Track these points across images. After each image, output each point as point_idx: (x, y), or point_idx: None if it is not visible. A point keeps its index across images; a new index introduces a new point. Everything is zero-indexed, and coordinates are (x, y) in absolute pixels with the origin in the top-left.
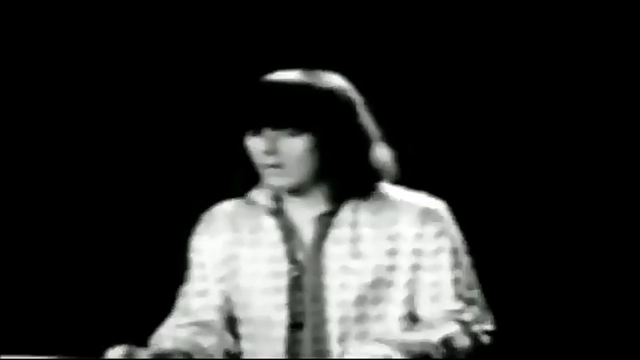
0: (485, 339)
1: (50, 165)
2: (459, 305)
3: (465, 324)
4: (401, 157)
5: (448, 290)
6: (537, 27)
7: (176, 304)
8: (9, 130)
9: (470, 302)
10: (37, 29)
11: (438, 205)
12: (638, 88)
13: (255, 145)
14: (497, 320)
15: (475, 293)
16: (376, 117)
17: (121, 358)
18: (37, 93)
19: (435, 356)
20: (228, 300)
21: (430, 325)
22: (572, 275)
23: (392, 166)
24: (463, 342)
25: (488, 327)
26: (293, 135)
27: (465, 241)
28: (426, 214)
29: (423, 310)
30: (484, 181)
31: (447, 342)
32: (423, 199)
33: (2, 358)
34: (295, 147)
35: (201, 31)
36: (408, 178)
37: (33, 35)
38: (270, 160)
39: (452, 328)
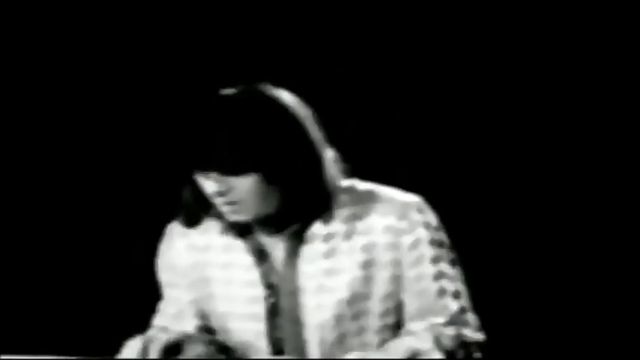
0: (476, 354)
1: (51, 165)
2: (444, 315)
3: (446, 337)
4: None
5: (435, 296)
6: (522, 24)
7: (152, 322)
8: (4, 129)
9: (461, 311)
10: (19, 29)
11: (415, 199)
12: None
13: (206, 186)
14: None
15: (465, 300)
16: (328, 122)
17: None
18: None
19: None
20: (204, 317)
21: (404, 336)
22: (553, 270)
23: (343, 168)
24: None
25: (478, 337)
26: (241, 175)
27: (447, 236)
28: (403, 214)
29: (410, 321)
30: (462, 178)
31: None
32: (397, 195)
33: (3, 358)
34: (245, 185)
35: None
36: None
37: (16, 36)
38: (224, 200)
39: (425, 343)
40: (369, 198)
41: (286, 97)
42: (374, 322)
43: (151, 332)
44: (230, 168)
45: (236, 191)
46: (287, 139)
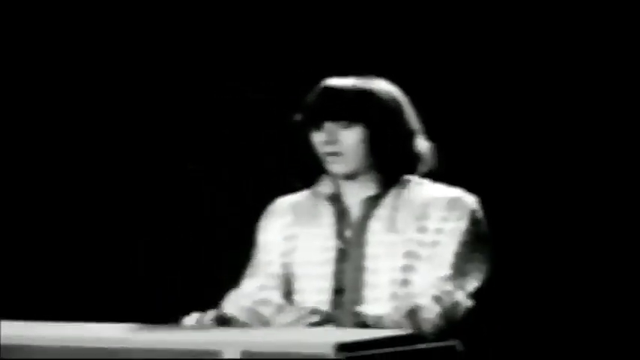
0: (460, 310)
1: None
2: (448, 273)
3: (444, 297)
4: (440, 152)
5: (446, 257)
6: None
7: (245, 273)
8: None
9: (461, 273)
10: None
11: (469, 197)
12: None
13: (318, 137)
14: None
15: (475, 277)
16: (419, 114)
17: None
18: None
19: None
20: (287, 270)
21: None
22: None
23: (430, 157)
24: (429, 314)
25: (467, 302)
26: (349, 127)
27: (489, 233)
28: (454, 202)
29: (418, 271)
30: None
31: (412, 313)
32: (456, 191)
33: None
34: (351, 137)
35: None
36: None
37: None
38: (330, 148)
39: (426, 300)
40: (435, 191)
41: (391, 86)
42: (418, 277)
43: (251, 292)
44: (343, 117)
45: (342, 144)
46: (389, 108)
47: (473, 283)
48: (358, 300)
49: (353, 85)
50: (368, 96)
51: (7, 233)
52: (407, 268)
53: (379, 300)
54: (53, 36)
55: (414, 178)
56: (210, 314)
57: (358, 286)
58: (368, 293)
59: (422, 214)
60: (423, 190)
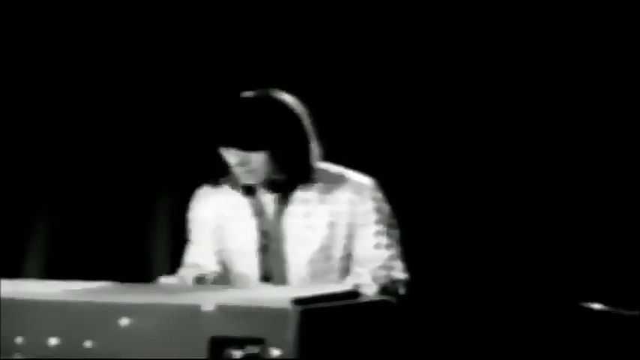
0: (401, 288)
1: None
2: (379, 261)
3: (380, 276)
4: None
5: (372, 250)
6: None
7: (186, 248)
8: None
9: (391, 257)
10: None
11: (369, 180)
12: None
13: (229, 158)
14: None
15: (396, 251)
16: (312, 120)
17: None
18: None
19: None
20: (219, 253)
21: (352, 277)
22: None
23: (321, 153)
24: (371, 290)
25: (403, 277)
26: (256, 151)
27: (389, 207)
28: (359, 190)
29: (355, 265)
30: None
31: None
32: (356, 177)
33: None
34: (259, 159)
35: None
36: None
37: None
38: (243, 169)
39: (366, 280)
40: (337, 178)
41: (289, 98)
42: (335, 264)
43: (185, 269)
44: (251, 146)
45: (251, 164)
46: (290, 127)
47: (399, 258)
48: (284, 284)
49: (259, 111)
50: (274, 121)
51: None
52: (324, 259)
53: (303, 280)
54: (52, 36)
55: (319, 165)
56: (185, 276)
57: (282, 276)
58: (292, 281)
59: (330, 210)
60: (326, 183)
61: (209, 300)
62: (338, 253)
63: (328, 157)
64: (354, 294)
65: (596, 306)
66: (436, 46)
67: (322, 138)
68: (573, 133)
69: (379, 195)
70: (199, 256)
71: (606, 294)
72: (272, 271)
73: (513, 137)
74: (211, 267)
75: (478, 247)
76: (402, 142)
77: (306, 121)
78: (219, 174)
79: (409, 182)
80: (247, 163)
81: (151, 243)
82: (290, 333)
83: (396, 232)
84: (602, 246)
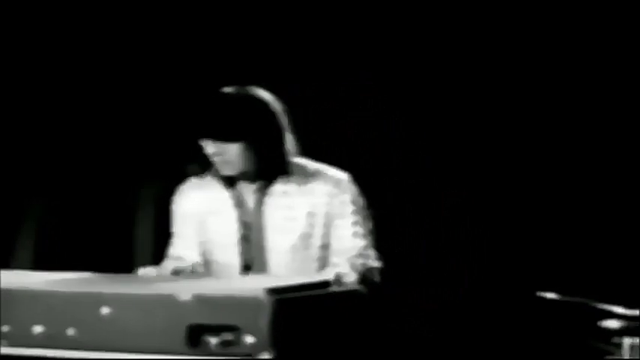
0: (376, 276)
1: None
2: (355, 250)
3: (358, 265)
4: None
5: (350, 239)
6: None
7: (170, 241)
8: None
9: (366, 247)
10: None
11: (345, 175)
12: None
13: (208, 148)
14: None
15: (370, 240)
16: (289, 116)
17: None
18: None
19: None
20: (201, 240)
21: (331, 266)
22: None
23: (297, 151)
24: (351, 278)
25: (378, 265)
26: (233, 142)
27: (364, 200)
28: (336, 184)
29: (332, 254)
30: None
31: (338, 279)
32: (333, 171)
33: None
34: (235, 149)
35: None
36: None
37: None
38: (219, 159)
39: (345, 269)
40: (315, 172)
41: (266, 95)
42: (315, 253)
43: (169, 261)
44: (226, 137)
45: (228, 154)
46: (265, 122)
47: (373, 248)
48: (264, 272)
49: (234, 107)
50: (247, 115)
51: None
52: (303, 247)
53: (283, 269)
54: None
55: (297, 160)
56: (165, 268)
57: (263, 264)
58: (272, 270)
59: (308, 201)
60: (304, 176)
61: (186, 290)
62: (317, 241)
63: (306, 153)
64: (326, 284)
65: (551, 295)
66: (409, 41)
67: (300, 135)
68: (532, 122)
69: (355, 188)
70: (182, 248)
71: (560, 284)
72: (253, 260)
73: (471, 127)
74: (194, 258)
75: (438, 239)
76: (373, 141)
77: (283, 117)
78: (203, 167)
79: (377, 179)
80: (223, 153)
81: (134, 235)
82: (264, 321)
83: (369, 223)
84: (557, 237)
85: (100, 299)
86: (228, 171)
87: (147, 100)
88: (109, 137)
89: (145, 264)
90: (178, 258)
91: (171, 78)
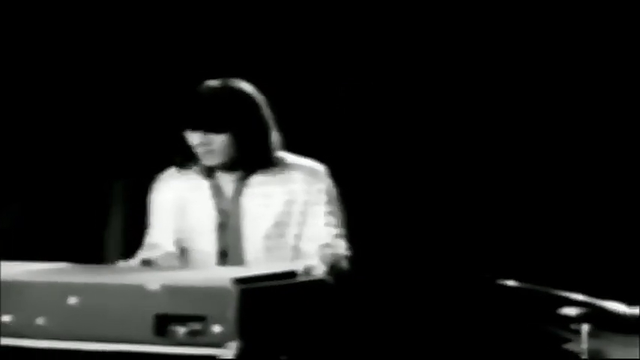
0: (344, 264)
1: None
2: (328, 238)
3: (327, 255)
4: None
5: (323, 227)
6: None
7: (147, 231)
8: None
9: (337, 236)
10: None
11: (322, 167)
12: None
13: (192, 139)
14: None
15: (341, 231)
16: (272, 109)
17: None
18: None
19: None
20: (178, 232)
21: (302, 257)
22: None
23: (281, 144)
24: (319, 271)
25: (346, 253)
26: (217, 133)
27: (337, 191)
28: (313, 173)
29: (304, 241)
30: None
31: (307, 271)
32: (310, 163)
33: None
34: (219, 140)
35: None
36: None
37: None
38: (203, 148)
39: (314, 261)
40: (293, 162)
41: (249, 88)
42: (290, 241)
43: (145, 250)
44: (213, 128)
45: (212, 144)
46: (250, 114)
47: (344, 238)
48: (240, 262)
49: (218, 99)
50: (230, 107)
51: None
52: (279, 235)
53: (258, 255)
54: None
55: (277, 153)
56: (136, 259)
57: (239, 251)
58: (248, 257)
59: (287, 189)
60: (283, 167)
61: (155, 280)
62: (293, 230)
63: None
64: (293, 274)
65: (511, 283)
66: (387, 36)
67: (280, 128)
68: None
69: (330, 180)
70: (159, 237)
71: (521, 272)
72: (229, 246)
73: (435, 121)
74: (169, 247)
75: (401, 228)
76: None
77: (265, 110)
78: (186, 158)
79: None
80: (209, 144)
81: (106, 227)
82: (230, 310)
83: (341, 215)
84: (517, 226)
85: (69, 289)
86: (211, 161)
87: (127, 92)
88: (86, 129)
89: (116, 257)
90: (154, 246)
91: (154, 72)
